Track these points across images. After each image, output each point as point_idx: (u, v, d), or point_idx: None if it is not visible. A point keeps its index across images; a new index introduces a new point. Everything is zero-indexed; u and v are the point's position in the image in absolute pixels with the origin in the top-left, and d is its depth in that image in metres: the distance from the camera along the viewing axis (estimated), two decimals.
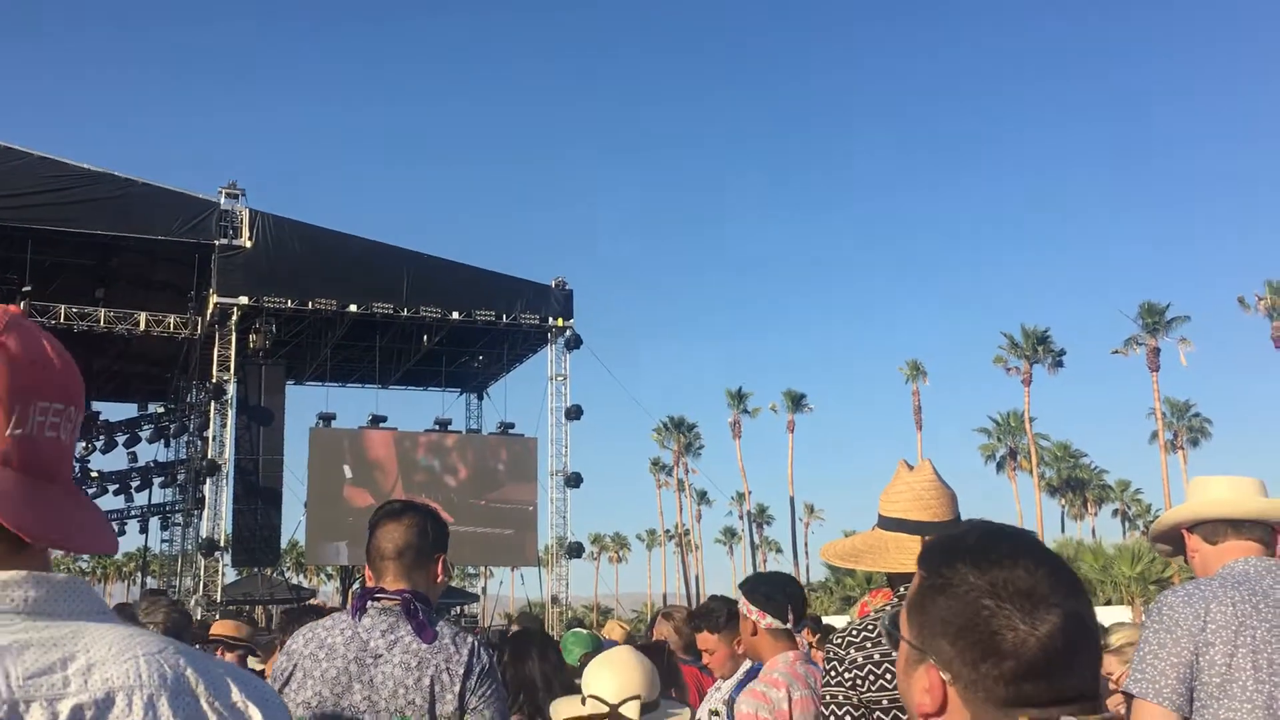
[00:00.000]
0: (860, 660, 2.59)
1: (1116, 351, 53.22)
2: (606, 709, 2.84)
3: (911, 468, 2.81)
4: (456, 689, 2.75)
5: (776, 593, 3.60)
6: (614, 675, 2.90)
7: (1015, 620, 1.12)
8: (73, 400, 1.06)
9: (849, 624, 2.68)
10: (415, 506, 3.02)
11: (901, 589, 2.62)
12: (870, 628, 2.60)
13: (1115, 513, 68.37)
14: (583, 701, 2.91)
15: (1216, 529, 2.88)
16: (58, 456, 1.04)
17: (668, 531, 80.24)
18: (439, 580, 2.97)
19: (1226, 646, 2.63)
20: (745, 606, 3.63)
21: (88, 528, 1.04)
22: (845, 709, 2.60)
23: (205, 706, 0.99)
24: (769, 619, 3.55)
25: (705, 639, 4.22)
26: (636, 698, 2.84)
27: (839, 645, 2.64)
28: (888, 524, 2.75)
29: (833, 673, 2.64)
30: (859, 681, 2.57)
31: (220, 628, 5.19)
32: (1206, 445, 58.91)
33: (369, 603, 2.86)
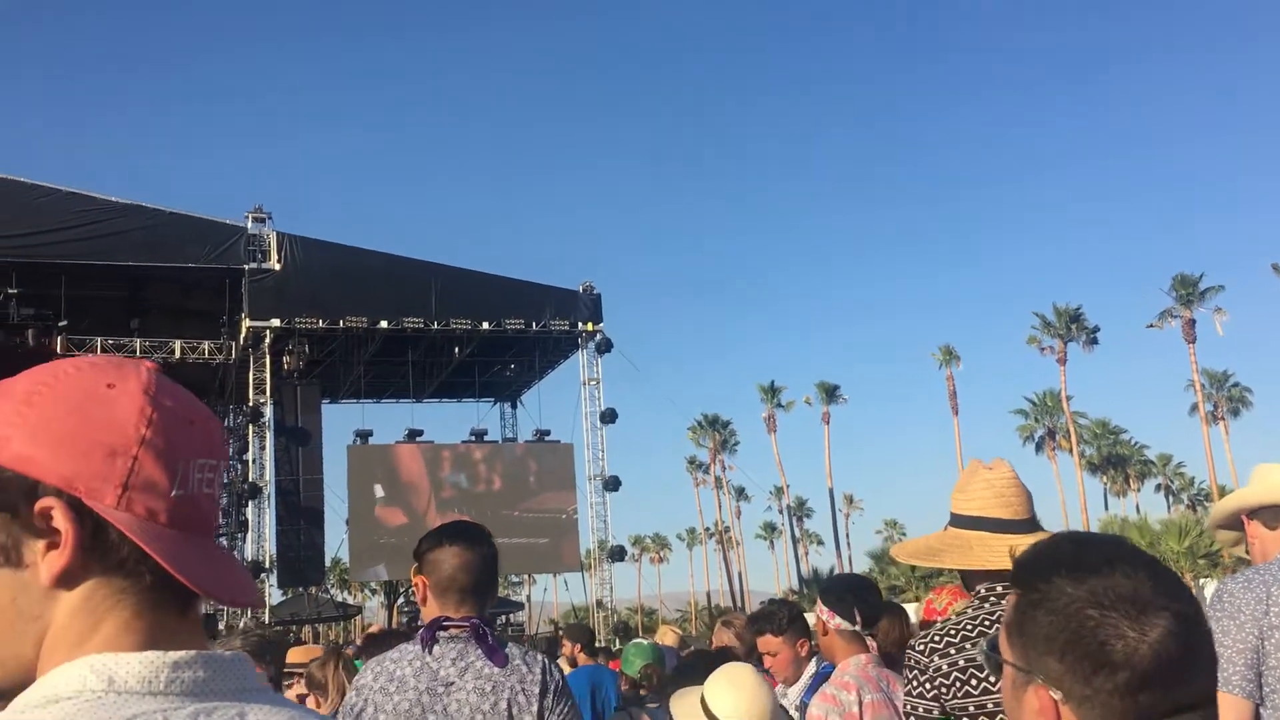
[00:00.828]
0: (945, 668, 2.50)
1: (1151, 325, 52.73)
2: None
3: (988, 466, 2.69)
4: (534, 709, 2.75)
5: (846, 594, 3.63)
6: (741, 702, 2.86)
7: (1123, 628, 1.08)
8: (222, 455, 1.06)
9: (931, 629, 2.61)
10: (484, 536, 3.00)
11: (981, 588, 2.56)
12: (952, 632, 2.51)
13: (1158, 488, 67.58)
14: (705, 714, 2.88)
15: (1276, 514, 2.87)
16: (212, 512, 1.05)
17: (708, 529, 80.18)
18: (492, 601, 3.01)
19: None
20: (819, 606, 3.68)
21: (241, 580, 1.05)
22: None
23: None
24: (837, 619, 3.57)
25: (768, 642, 4.21)
26: None
27: (921, 652, 2.56)
28: (965, 522, 2.64)
29: (914, 682, 2.56)
30: (944, 690, 2.49)
31: (296, 655, 5.21)
32: (1247, 415, 58.26)
33: (438, 632, 2.86)
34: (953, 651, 2.51)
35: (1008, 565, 2.22)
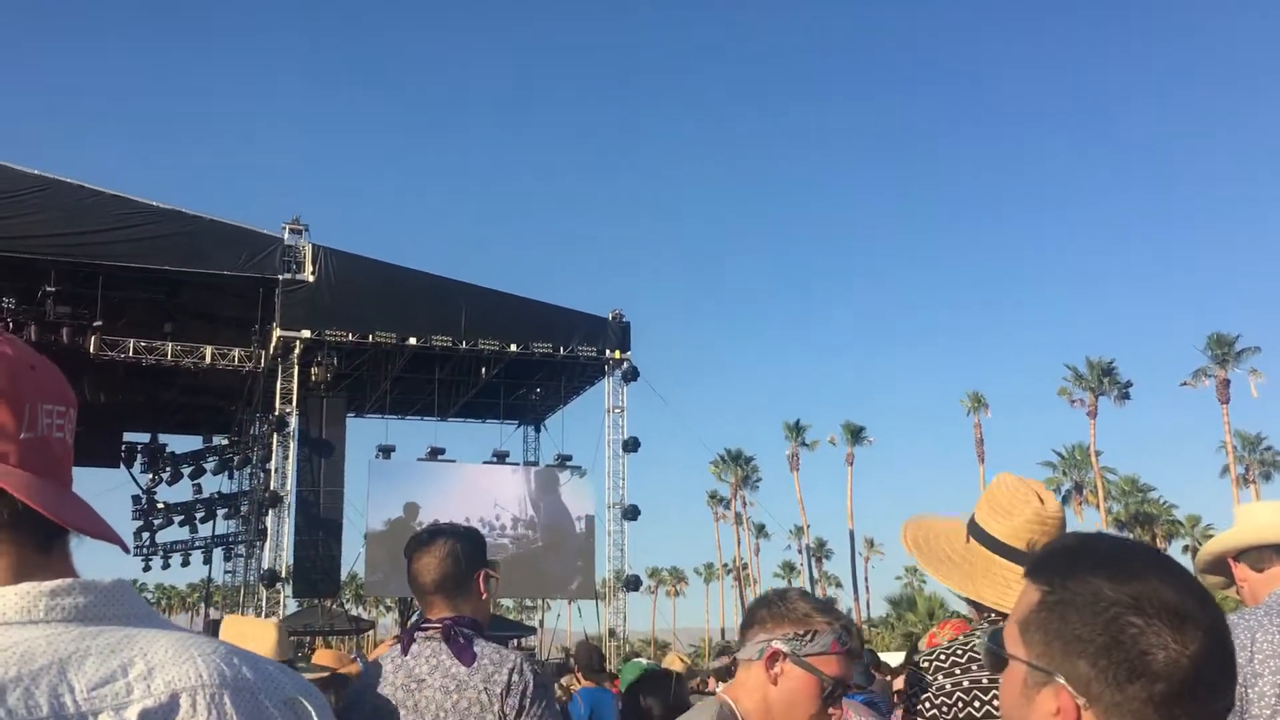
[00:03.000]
0: (949, 687, 2.39)
1: (1185, 383, 52.16)
2: None
3: (1041, 497, 2.41)
4: (495, 708, 2.76)
5: None
6: None
7: (1166, 638, 1.04)
8: (71, 402, 1.08)
9: (935, 649, 2.50)
10: (443, 531, 3.03)
11: (993, 613, 2.40)
12: (959, 653, 2.41)
13: (1185, 548, 66.53)
14: None
15: (1263, 555, 2.78)
16: (66, 457, 1.06)
17: (725, 565, 79.75)
18: (484, 597, 2.98)
19: (1275, 676, 2.52)
20: None
21: (100, 521, 1.05)
22: None
23: (266, 702, 1.00)
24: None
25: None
26: None
27: (926, 670, 2.45)
28: (992, 544, 2.38)
29: (914, 699, 2.46)
30: (944, 709, 2.39)
31: (321, 658, 5.28)
32: (1279, 479, 57.40)
33: (416, 633, 2.94)
34: (958, 671, 2.41)
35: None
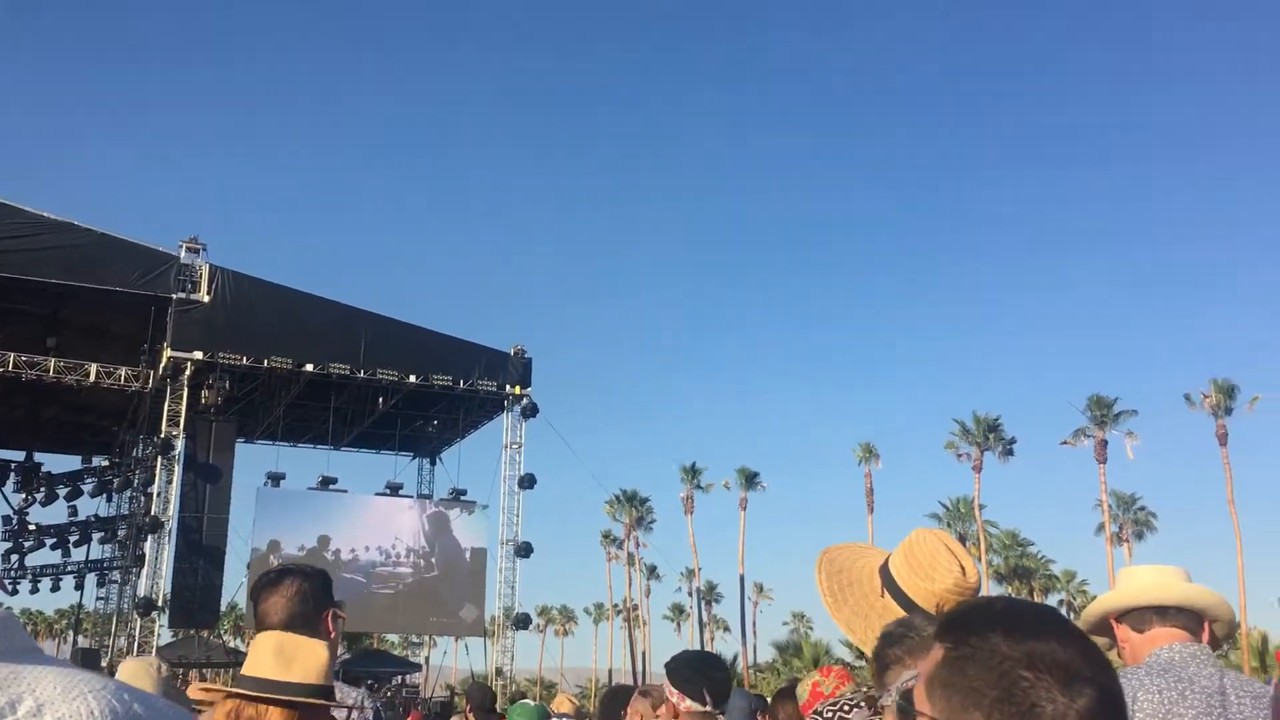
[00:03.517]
0: None
1: (1065, 442, 54.00)
2: None
3: (964, 569, 2.31)
4: None
5: (694, 674, 3.54)
6: None
7: (1055, 692, 1.10)
8: None
9: (842, 697, 2.49)
10: (290, 571, 3.01)
11: (861, 686, 2.44)
12: (845, 708, 2.42)
13: (1061, 603, 68.50)
14: None
15: (1143, 617, 2.83)
16: None
17: (616, 606, 79.45)
18: (332, 635, 2.96)
19: None
20: (667, 688, 3.59)
21: None
22: None
23: None
24: (687, 701, 3.48)
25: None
26: None
27: (829, 717, 2.44)
28: (909, 607, 2.30)
29: None
30: None
31: (195, 692, 5.08)
32: (1151, 539, 59.56)
33: None
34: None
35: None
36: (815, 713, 2.50)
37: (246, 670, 2.32)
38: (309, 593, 2.94)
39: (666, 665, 3.73)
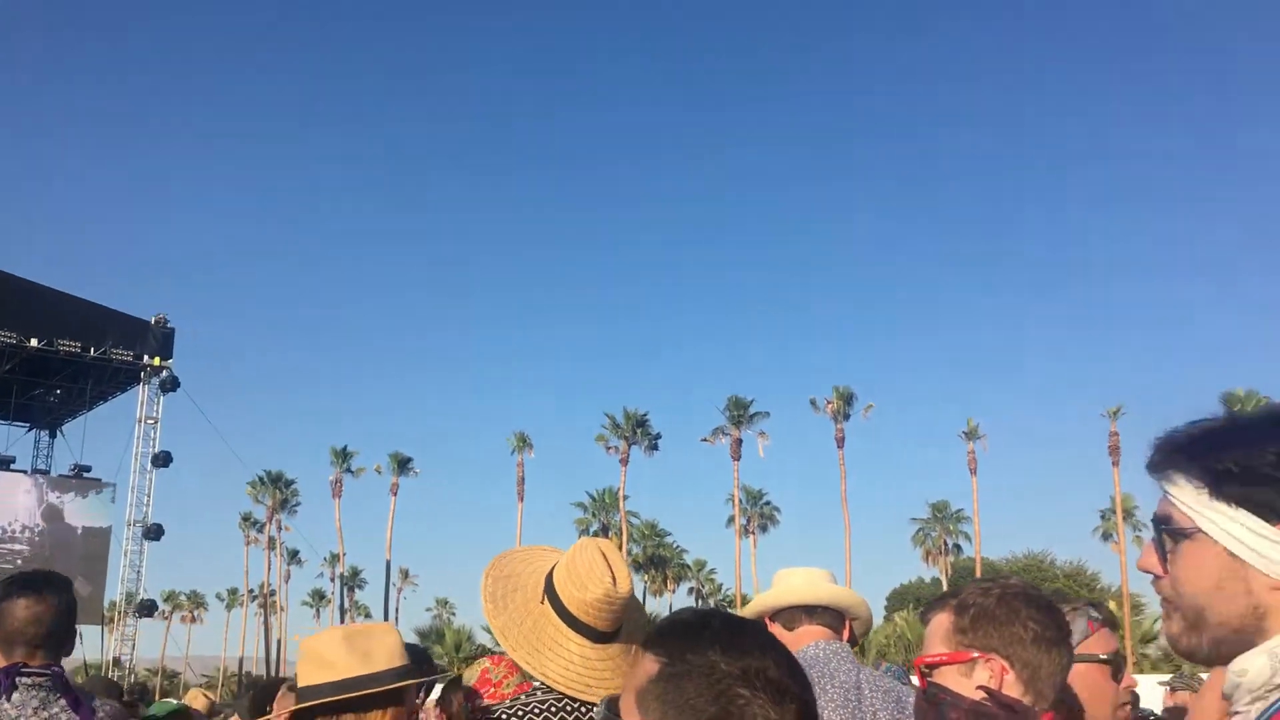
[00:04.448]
0: None
1: (705, 439, 57.70)
2: None
3: (616, 582, 2.33)
4: None
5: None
6: None
7: (769, 709, 1.17)
8: None
9: (532, 698, 2.33)
10: (54, 582, 2.92)
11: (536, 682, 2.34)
12: (536, 710, 2.30)
13: (690, 590, 73.00)
14: None
15: (794, 616, 3.07)
16: None
17: (251, 591, 75.88)
18: (68, 650, 2.93)
19: None
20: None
21: None
22: None
23: None
24: None
25: None
26: None
27: None
28: (565, 615, 2.34)
29: None
30: None
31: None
32: (774, 531, 64.58)
33: (18, 679, 2.77)
34: None
35: (572, 688, 2.24)
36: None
37: (313, 679, 2.21)
38: (70, 609, 2.88)
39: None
